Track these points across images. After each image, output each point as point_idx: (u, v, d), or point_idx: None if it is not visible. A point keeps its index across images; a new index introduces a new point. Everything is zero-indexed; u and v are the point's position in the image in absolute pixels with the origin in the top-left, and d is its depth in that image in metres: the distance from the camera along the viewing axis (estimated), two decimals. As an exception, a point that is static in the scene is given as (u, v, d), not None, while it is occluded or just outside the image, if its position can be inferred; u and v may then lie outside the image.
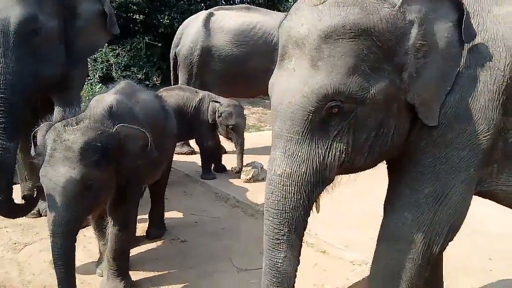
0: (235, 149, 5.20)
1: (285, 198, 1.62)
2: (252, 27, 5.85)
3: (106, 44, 9.37)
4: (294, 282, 1.72)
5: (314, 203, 1.71)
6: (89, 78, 9.21)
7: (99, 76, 9.27)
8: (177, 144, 5.82)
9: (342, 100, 1.54)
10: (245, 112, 8.81)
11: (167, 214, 3.83)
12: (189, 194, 4.60)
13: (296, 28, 1.61)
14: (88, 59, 8.98)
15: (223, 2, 11.64)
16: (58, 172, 2.14)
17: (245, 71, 5.81)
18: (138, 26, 10.63)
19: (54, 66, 3.36)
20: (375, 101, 1.56)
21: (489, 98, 1.66)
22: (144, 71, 9.97)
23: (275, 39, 5.89)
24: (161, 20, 10.22)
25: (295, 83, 1.59)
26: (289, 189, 1.61)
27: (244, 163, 5.09)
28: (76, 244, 2.28)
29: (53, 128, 2.28)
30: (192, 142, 5.74)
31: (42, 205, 3.67)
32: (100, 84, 8.76)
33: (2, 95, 2.95)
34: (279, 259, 1.65)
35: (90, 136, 2.23)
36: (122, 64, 9.78)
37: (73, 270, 2.27)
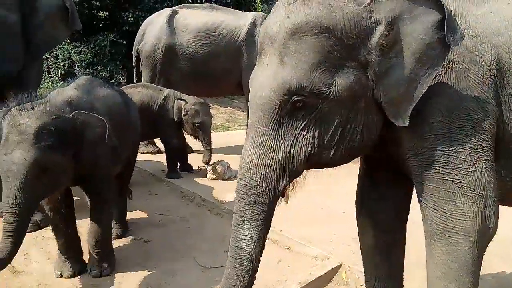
0: (201, 148, 5.17)
1: (251, 184, 1.67)
2: (216, 26, 5.83)
3: (68, 41, 9.09)
4: (257, 265, 1.74)
5: (283, 193, 1.74)
6: (50, 75, 8.91)
7: (60, 73, 8.98)
8: (142, 143, 5.75)
9: (305, 94, 1.57)
10: (213, 111, 8.79)
11: (131, 214, 3.76)
12: (154, 193, 4.53)
13: (271, 25, 1.67)
14: (50, 56, 8.77)
15: (190, 1, 11.52)
16: (13, 156, 2.15)
17: (209, 70, 5.79)
18: (102, 23, 10.37)
19: (13, 62, 3.24)
20: (339, 97, 1.59)
21: (481, 90, 1.70)
22: (109, 69, 9.73)
23: (239, 38, 5.90)
24: (126, 18, 10.01)
25: (266, 77, 1.64)
26: (255, 177, 1.66)
27: (211, 162, 5.06)
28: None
29: (9, 113, 2.29)
30: (158, 142, 5.67)
31: (37, 216, 3.47)
32: (62, 82, 8.48)
33: None
34: (241, 235, 1.69)
35: (45, 120, 2.25)
36: (85, 62, 9.51)
37: (19, 244, 2.28)
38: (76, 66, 9.29)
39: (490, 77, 1.71)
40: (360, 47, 1.60)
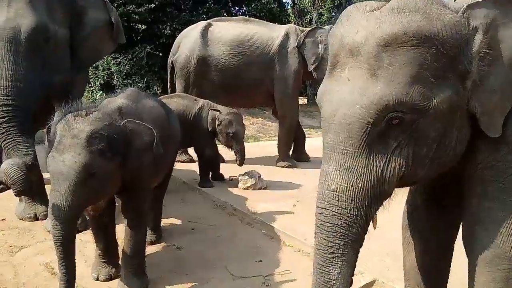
0: (233, 158, 5.23)
1: (341, 214, 1.53)
2: (249, 38, 5.93)
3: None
4: None
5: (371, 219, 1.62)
6: (90, 85, 9.31)
7: (100, 83, 9.37)
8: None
9: (403, 110, 1.46)
10: (245, 122, 8.85)
11: (164, 221, 3.83)
12: (186, 201, 4.61)
13: (350, 35, 1.52)
14: (90, 67, 9.15)
15: (225, 14, 11.78)
16: (64, 158, 2.21)
17: (241, 82, 5.88)
18: (140, 35, 10.76)
19: (62, 74, 3.41)
20: (438, 111, 1.48)
21: None
22: (145, 80, 10.07)
23: (272, 50, 5.96)
24: (163, 31, 10.35)
25: (350, 93, 1.50)
26: (345, 204, 1.53)
27: (242, 172, 5.11)
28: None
29: (64, 118, 2.38)
30: (191, 151, 5.78)
31: (39, 209, 3.67)
32: (101, 91, 8.82)
33: (14, 103, 2.99)
34: (332, 275, 1.54)
35: (98, 125, 2.32)
36: (124, 73, 9.88)
37: (73, 255, 2.33)
38: (115, 77, 9.65)
39: None
40: (461, 57, 1.51)
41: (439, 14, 1.47)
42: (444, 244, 2.10)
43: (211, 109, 4.95)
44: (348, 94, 1.50)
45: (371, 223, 1.65)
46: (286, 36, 6.06)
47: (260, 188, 5.00)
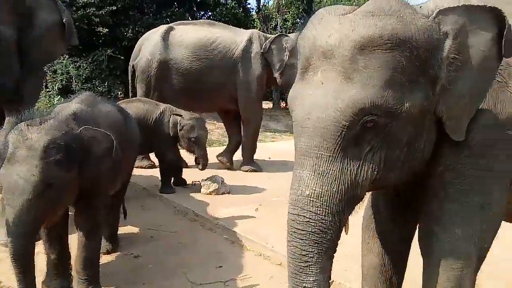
0: (195, 163, 5.16)
1: (315, 220, 1.49)
2: (212, 41, 5.90)
3: (67, 56, 9.19)
4: None
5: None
6: (47, 90, 8.96)
7: (58, 88, 9.05)
8: (137, 157, 5.74)
9: (378, 114, 1.44)
10: (210, 127, 8.80)
11: (122, 229, 3.72)
12: (146, 208, 4.50)
13: (323, 38, 1.49)
14: (48, 71, 8.83)
15: (190, 18, 11.69)
16: (19, 171, 2.09)
17: (203, 85, 5.83)
18: (101, 39, 10.49)
19: (9, 77, 3.25)
20: (409, 115, 1.48)
21: None
22: (106, 84, 9.81)
23: (235, 54, 5.95)
24: (125, 34, 10.14)
25: (324, 96, 1.47)
26: (319, 210, 1.49)
27: (205, 177, 5.05)
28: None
29: (15, 128, 2.23)
30: (153, 156, 5.66)
31: None
32: (59, 96, 8.53)
33: None
34: (307, 283, 1.50)
35: (54, 135, 2.21)
36: (83, 77, 9.59)
37: (33, 271, 2.23)
38: (74, 81, 9.36)
39: None
40: (432, 61, 1.52)
41: (412, 18, 1.48)
42: (403, 245, 2.13)
43: (173, 114, 4.87)
44: (322, 98, 1.47)
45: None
46: (250, 41, 6.08)
47: (223, 193, 4.96)
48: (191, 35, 5.93)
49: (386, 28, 1.43)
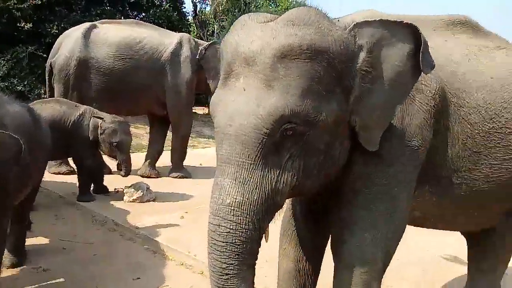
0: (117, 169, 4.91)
1: (235, 229, 1.47)
2: (138, 41, 5.67)
3: (-18, 52, 8.41)
4: None
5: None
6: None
7: (-30, 85, 8.24)
8: (54, 163, 5.37)
9: (297, 122, 1.45)
10: (140, 131, 8.47)
11: (31, 241, 3.43)
12: (61, 217, 4.19)
13: (246, 44, 1.50)
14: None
15: (122, 18, 11.24)
16: None
17: (127, 86, 5.57)
18: (24, 34, 9.73)
19: None
20: (325, 123, 1.51)
21: (424, 117, 1.73)
22: (26, 82, 9.12)
23: (163, 57, 5.77)
24: (50, 30, 9.50)
25: (247, 103, 1.46)
26: (239, 219, 1.47)
27: (129, 184, 4.81)
28: None
29: None
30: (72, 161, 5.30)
31: None
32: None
33: None
34: None
35: None
36: (0, 74, 8.83)
37: None
38: (-12, 78, 8.60)
39: (433, 106, 1.75)
40: (347, 72, 1.55)
41: (329, 30, 1.51)
42: (318, 252, 2.17)
43: (93, 116, 4.58)
44: (244, 104, 1.46)
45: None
46: (179, 44, 5.92)
47: (147, 201, 4.76)
48: (115, 34, 5.66)
49: (305, 38, 1.45)
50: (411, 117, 1.72)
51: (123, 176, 4.79)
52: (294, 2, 23.86)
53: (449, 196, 1.96)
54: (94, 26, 5.73)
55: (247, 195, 1.47)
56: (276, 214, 1.62)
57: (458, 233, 2.79)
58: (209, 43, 6.10)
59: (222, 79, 1.59)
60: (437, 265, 3.45)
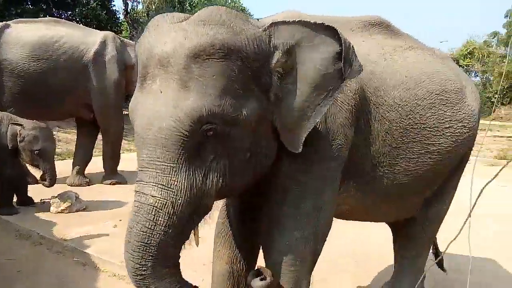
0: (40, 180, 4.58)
1: (153, 230, 1.43)
2: (55, 40, 5.32)
3: None
4: None
5: (193, 235, 1.57)
6: None
7: None
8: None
9: (216, 122, 1.43)
10: (70, 136, 7.97)
11: None
12: (-22, 234, 3.84)
13: (159, 46, 1.46)
14: None
15: (43, 16, 10.58)
16: None
17: (46, 89, 5.23)
18: None
19: None
20: (247, 122, 1.50)
21: (346, 116, 1.77)
22: None
23: (86, 57, 5.48)
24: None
25: (164, 106, 1.43)
26: (160, 220, 1.43)
27: (56, 193, 4.53)
28: None
29: None
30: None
31: None
32: None
33: None
34: None
35: None
36: None
37: None
38: None
39: (354, 105, 1.79)
40: (263, 71, 1.54)
41: (242, 29, 1.49)
42: (253, 252, 2.17)
43: (11, 123, 4.24)
44: (162, 107, 1.43)
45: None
46: (104, 43, 5.63)
47: (77, 210, 4.51)
48: (30, 33, 5.26)
49: (217, 37, 1.43)
50: (333, 117, 1.76)
51: (47, 187, 4.47)
52: (229, 1, 23.90)
53: (373, 190, 2.04)
54: (7, 26, 5.30)
55: (171, 198, 1.44)
56: (205, 217, 1.60)
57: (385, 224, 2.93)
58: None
59: (139, 82, 1.55)
60: (368, 256, 3.60)
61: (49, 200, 4.56)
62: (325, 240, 1.91)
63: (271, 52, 1.56)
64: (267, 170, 1.72)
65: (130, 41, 6.28)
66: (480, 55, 17.95)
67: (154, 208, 1.43)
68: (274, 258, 1.80)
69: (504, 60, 15.23)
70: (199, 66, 1.42)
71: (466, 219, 1.13)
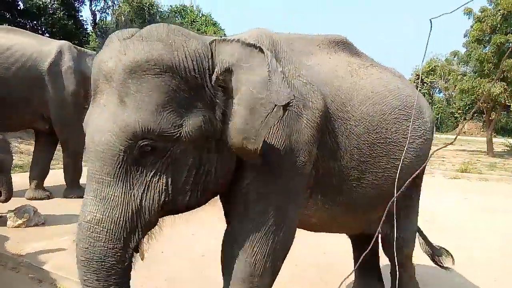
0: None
1: (94, 247, 1.45)
2: (6, 48, 5.14)
3: None
4: None
5: (137, 249, 1.55)
6: None
7: None
8: None
9: (153, 138, 1.43)
10: (31, 149, 7.70)
11: None
12: None
13: (105, 61, 1.49)
14: None
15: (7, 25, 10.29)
16: None
17: None
18: None
19: None
20: (191, 139, 1.48)
21: (311, 134, 1.78)
22: None
23: (41, 67, 5.31)
24: None
25: (105, 120, 1.45)
26: (99, 236, 1.45)
27: (14, 207, 4.35)
28: None
29: None
30: None
31: None
32: None
33: None
34: None
35: None
36: None
37: None
38: None
39: (319, 122, 1.81)
40: (205, 87, 1.53)
41: (181, 45, 1.50)
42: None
43: (-35, 135, 4.07)
44: (103, 121, 1.46)
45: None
46: (60, 53, 5.48)
47: (35, 225, 4.35)
48: None
49: (152, 53, 1.44)
50: (298, 134, 1.76)
51: (2, 202, 4.23)
52: (200, 15, 24.03)
53: (339, 203, 2.06)
54: None
55: (107, 213, 1.45)
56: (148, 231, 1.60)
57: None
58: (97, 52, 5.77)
59: (92, 96, 1.58)
60: (332, 266, 3.63)
61: (5, 214, 4.38)
62: (285, 256, 1.89)
63: (211, 69, 1.56)
64: (222, 187, 1.71)
65: (89, 51, 6.15)
66: (442, 73, 18.68)
67: (92, 225, 1.45)
68: (235, 274, 1.78)
69: (464, 77, 15.91)
70: (136, 82, 1.43)
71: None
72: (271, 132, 1.70)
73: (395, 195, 1.34)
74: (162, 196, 1.50)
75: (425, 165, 2.01)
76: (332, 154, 1.92)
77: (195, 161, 1.55)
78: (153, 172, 1.48)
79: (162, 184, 1.49)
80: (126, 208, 1.46)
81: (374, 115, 2.05)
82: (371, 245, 1.33)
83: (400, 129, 2.15)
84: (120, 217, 1.46)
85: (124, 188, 1.45)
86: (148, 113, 1.42)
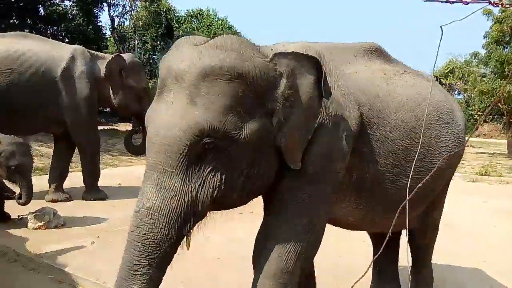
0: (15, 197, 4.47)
1: (151, 232, 1.56)
2: (20, 54, 5.25)
3: None
4: None
5: (185, 238, 1.67)
6: None
7: None
8: None
9: (217, 137, 1.57)
10: (50, 152, 7.87)
11: None
12: (-50, 252, 3.74)
13: (177, 63, 1.64)
14: None
15: (34, 32, 10.55)
16: None
17: (11, 104, 5.14)
18: None
19: None
20: (248, 141, 1.63)
21: (346, 141, 1.91)
22: None
23: (54, 72, 5.40)
24: None
25: (173, 116, 1.59)
26: (156, 223, 1.56)
27: (34, 209, 4.45)
28: None
29: None
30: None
31: None
32: None
33: None
34: None
35: None
36: None
37: None
38: None
39: (355, 131, 1.94)
40: (268, 96, 1.69)
41: (251, 57, 1.66)
42: None
43: (-12, 139, 4.18)
44: (171, 117, 1.59)
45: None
46: (73, 58, 5.57)
47: (55, 227, 4.44)
48: None
49: (226, 61, 1.59)
50: (335, 143, 1.89)
51: (22, 205, 4.33)
52: (216, 19, 24.21)
53: (374, 204, 2.17)
54: None
55: (166, 201, 1.56)
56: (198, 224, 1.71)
57: (368, 239, 2.98)
58: (112, 56, 5.86)
59: (157, 93, 1.71)
60: (348, 271, 3.59)
61: (26, 216, 4.49)
62: (316, 252, 2.01)
63: (278, 79, 1.73)
64: (265, 187, 1.84)
65: (102, 54, 6.25)
66: (461, 74, 18.38)
67: (150, 212, 1.56)
68: (264, 269, 1.87)
69: (484, 79, 15.63)
70: (208, 85, 1.58)
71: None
72: (313, 140, 1.84)
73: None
74: (215, 191, 1.62)
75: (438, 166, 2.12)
76: (368, 159, 2.04)
77: (248, 162, 1.69)
78: (210, 168, 1.61)
79: (216, 180, 1.62)
80: (183, 198, 1.58)
81: (409, 121, 2.16)
82: (384, 244, 1.38)
83: (433, 134, 2.28)
84: (178, 206, 1.57)
85: (183, 180, 1.58)
86: (216, 114, 1.56)
